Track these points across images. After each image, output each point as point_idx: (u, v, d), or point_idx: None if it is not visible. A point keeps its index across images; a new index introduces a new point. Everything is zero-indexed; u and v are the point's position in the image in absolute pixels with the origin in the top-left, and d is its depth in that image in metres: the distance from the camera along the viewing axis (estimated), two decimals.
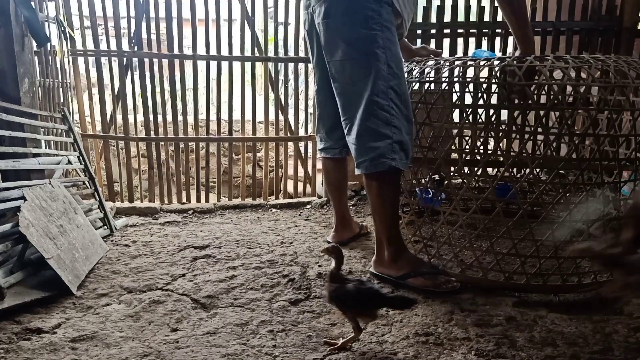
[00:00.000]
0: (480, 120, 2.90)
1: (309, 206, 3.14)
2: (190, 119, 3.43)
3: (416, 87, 2.02)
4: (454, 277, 1.88)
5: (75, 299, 1.72)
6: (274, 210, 3.08)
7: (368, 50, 1.76)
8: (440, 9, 3.35)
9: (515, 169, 2.99)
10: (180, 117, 3.21)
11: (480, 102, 2.43)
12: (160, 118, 3.25)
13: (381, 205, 1.83)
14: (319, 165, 2.67)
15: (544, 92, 2.76)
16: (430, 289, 1.76)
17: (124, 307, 1.66)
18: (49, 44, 2.89)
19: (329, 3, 1.81)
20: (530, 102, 1.77)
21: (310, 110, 3.46)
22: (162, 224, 2.71)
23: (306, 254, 2.18)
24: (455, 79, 1.89)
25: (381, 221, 1.85)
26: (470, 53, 3.37)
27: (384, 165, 1.75)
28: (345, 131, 1.88)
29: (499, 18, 3.41)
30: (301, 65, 3.42)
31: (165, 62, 3.18)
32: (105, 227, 2.49)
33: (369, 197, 1.87)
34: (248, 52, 3.24)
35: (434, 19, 3.37)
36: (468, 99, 2.66)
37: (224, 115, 3.75)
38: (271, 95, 3.31)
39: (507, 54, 3.29)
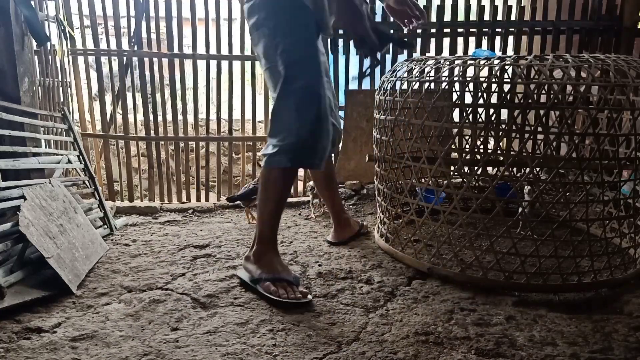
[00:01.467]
0: (480, 120, 2.91)
1: (308, 205, 3.14)
2: (190, 118, 3.43)
3: (416, 86, 2.02)
4: (454, 276, 1.88)
5: (75, 298, 1.72)
6: None
7: (269, 57, 1.77)
8: (440, 8, 3.35)
9: (515, 169, 3.00)
10: (180, 117, 3.21)
11: (480, 101, 2.43)
12: (160, 117, 3.26)
13: (263, 200, 1.81)
14: None
15: (544, 92, 2.76)
16: (273, 297, 1.67)
17: (124, 307, 1.66)
18: (48, 43, 2.89)
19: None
20: (530, 101, 1.77)
21: None
22: (162, 223, 2.71)
23: (306, 253, 2.18)
24: (455, 78, 1.89)
25: (259, 216, 1.82)
26: (470, 52, 3.37)
27: (268, 163, 1.76)
28: None
29: (499, 17, 3.42)
30: None
31: (165, 61, 3.18)
32: (105, 226, 2.49)
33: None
34: (248, 52, 3.24)
35: (433, 18, 3.37)
36: (468, 99, 2.66)
37: (224, 115, 3.75)
38: (271, 95, 3.31)
39: (507, 54, 3.30)
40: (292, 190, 3.56)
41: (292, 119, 1.71)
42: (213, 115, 3.29)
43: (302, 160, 1.75)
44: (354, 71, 3.43)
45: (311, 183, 2.85)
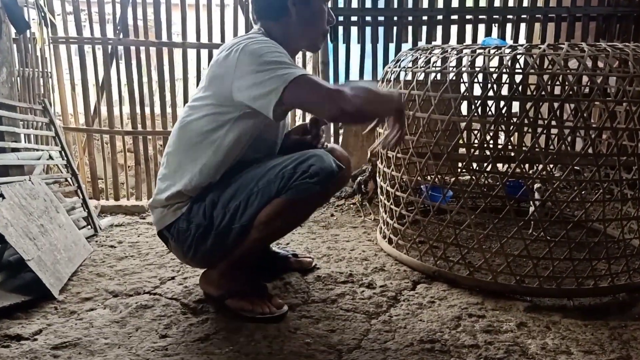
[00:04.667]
0: (489, 113, 2.91)
1: None
2: (180, 111, 3.42)
3: (421, 77, 2.02)
4: (462, 280, 1.88)
5: (57, 303, 1.72)
6: None
7: None
8: None
9: (527, 165, 3.00)
10: (169, 109, 3.21)
11: (490, 93, 2.43)
12: (147, 110, 3.24)
13: None
14: None
15: (558, 83, 2.76)
16: (247, 315, 1.63)
17: (109, 312, 1.66)
18: (28, 31, 2.88)
19: None
20: (543, 93, 1.77)
21: None
22: (150, 223, 2.71)
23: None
24: (463, 69, 1.89)
25: None
26: (479, 41, 3.37)
27: None
28: None
29: (511, 3, 3.41)
30: (298, 55, 3.42)
31: (153, 50, 3.18)
32: (89, 226, 2.49)
33: None
34: None
35: (440, 5, 3.37)
36: (477, 90, 2.66)
37: None
38: None
39: (519, 42, 3.29)
40: None
41: None
42: None
43: None
44: (354, 60, 3.43)
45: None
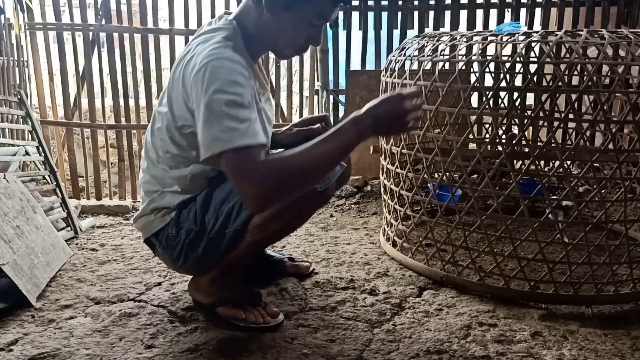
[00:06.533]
0: (502, 105, 2.91)
1: None
2: None
3: (428, 66, 2.02)
4: (472, 286, 1.88)
5: (34, 311, 1.72)
6: None
7: None
8: None
9: (542, 162, 3.00)
10: (155, 102, 3.20)
11: (503, 84, 2.43)
12: (132, 102, 3.24)
13: None
14: None
15: (576, 73, 2.76)
16: (241, 324, 1.63)
17: (90, 321, 1.66)
18: (2, 16, 2.88)
19: None
20: (560, 84, 1.77)
21: (306, 93, 3.46)
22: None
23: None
24: (474, 57, 1.89)
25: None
26: (491, 27, 3.37)
27: None
28: None
29: None
30: None
31: (137, 37, 3.17)
32: (69, 228, 2.49)
33: None
34: None
35: None
36: (488, 81, 2.66)
37: None
38: None
39: (534, 29, 3.29)
40: None
41: None
42: None
43: None
44: (356, 48, 3.43)
45: None
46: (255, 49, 1.56)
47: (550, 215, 1.95)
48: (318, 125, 1.83)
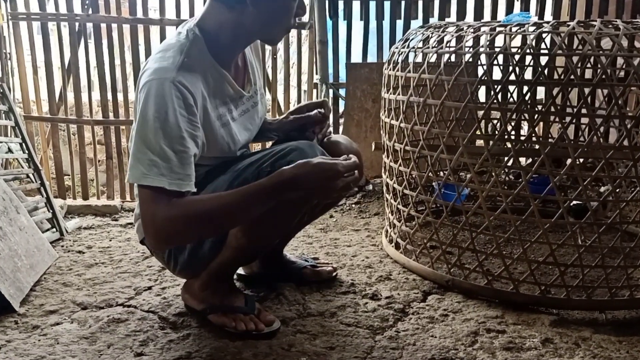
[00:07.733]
0: (511, 100, 2.91)
1: None
2: None
3: (433, 58, 2.02)
4: (479, 290, 1.88)
5: (18, 316, 1.72)
6: None
7: None
8: None
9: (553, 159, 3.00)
10: None
11: (512, 77, 2.43)
12: (120, 97, 3.24)
13: None
14: None
15: (589, 65, 2.76)
16: (231, 330, 1.63)
17: (77, 327, 1.66)
18: None
19: None
20: (572, 77, 1.77)
21: (304, 87, 3.46)
22: (123, 225, 2.71)
23: None
24: (481, 49, 1.89)
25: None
26: (500, 17, 3.37)
27: None
28: None
29: None
30: (293, 33, 3.41)
31: (126, 27, 3.17)
32: (54, 229, 2.48)
33: None
34: None
35: None
36: (497, 74, 2.66)
37: None
38: None
39: (545, 19, 3.29)
40: None
41: None
42: None
43: None
44: (357, 39, 3.43)
45: None
46: (230, 49, 1.59)
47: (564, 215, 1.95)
48: (315, 111, 1.83)
